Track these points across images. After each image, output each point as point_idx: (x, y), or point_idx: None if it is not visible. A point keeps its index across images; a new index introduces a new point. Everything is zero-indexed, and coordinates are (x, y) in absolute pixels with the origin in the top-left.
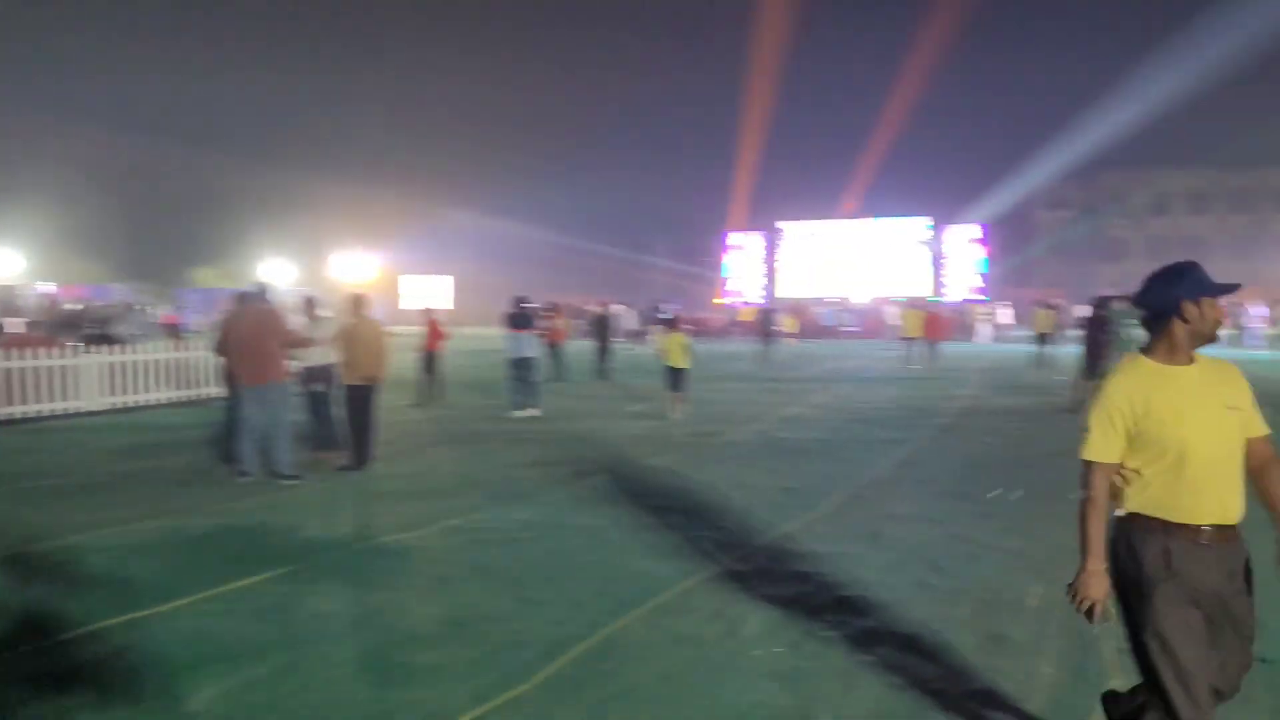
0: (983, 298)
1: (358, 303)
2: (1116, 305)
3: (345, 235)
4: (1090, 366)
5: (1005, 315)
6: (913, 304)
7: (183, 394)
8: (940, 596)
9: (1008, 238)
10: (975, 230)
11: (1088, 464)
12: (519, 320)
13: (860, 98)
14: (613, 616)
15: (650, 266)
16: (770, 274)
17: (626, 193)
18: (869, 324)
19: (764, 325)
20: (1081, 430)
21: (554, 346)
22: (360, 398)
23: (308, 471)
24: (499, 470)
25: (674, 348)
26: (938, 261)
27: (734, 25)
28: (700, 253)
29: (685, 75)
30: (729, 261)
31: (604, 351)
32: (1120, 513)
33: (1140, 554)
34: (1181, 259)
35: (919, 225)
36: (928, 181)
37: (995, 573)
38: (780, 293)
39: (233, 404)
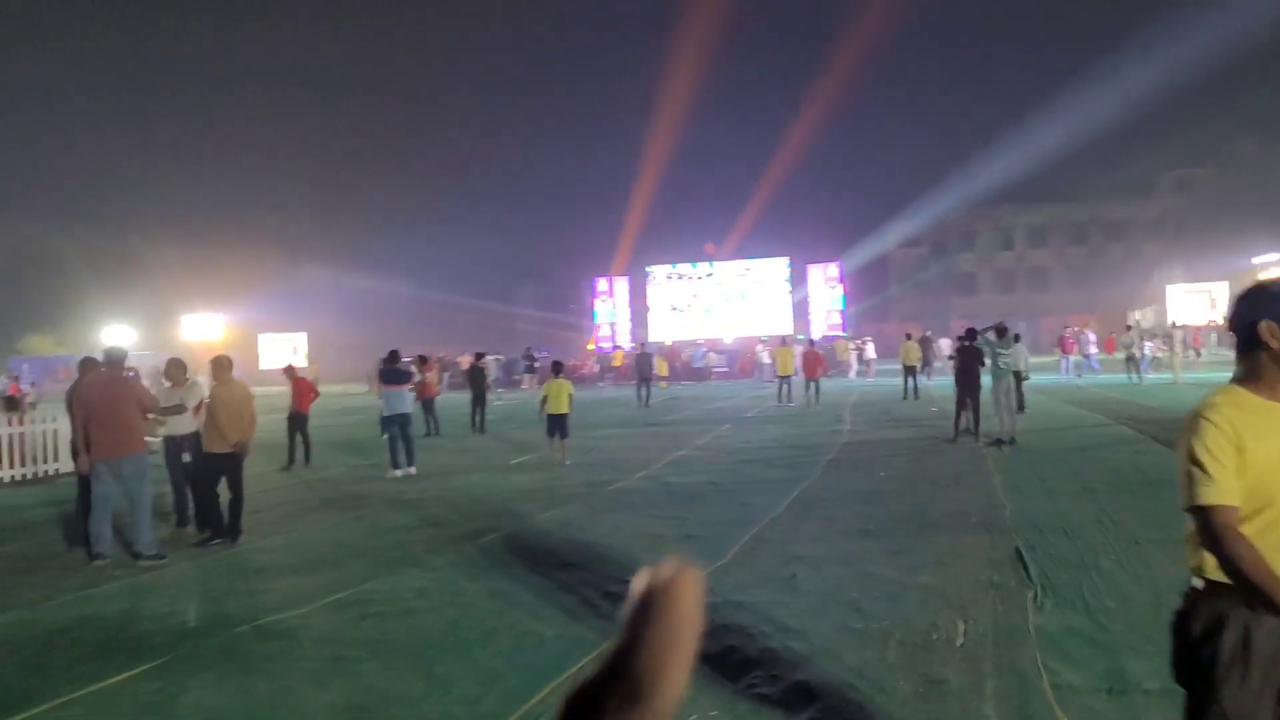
0: (841, 334)
1: (221, 365)
2: (987, 335)
3: (192, 296)
4: (963, 396)
5: (871, 350)
6: (785, 342)
7: (23, 471)
8: (867, 641)
9: (867, 276)
10: (833, 269)
11: (1207, 510)
12: (393, 375)
13: (725, 144)
14: (531, 689)
15: (516, 315)
16: (638, 318)
17: (490, 242)
18: (742, 364)
19: (641, 369)
20: (1186, 472)
21: (425, 401)
22: (227, 467)
23: (172, 549)
24: (383, 535)
25: (558, 393)
26: (800, 300)
27: (596, 75)
28: (567, 300)
29: (547, 125)
30: (599, 307)
31: (479, 404)
32: (1196, 583)
33: (1215, 635)
34: (1028, 290)
35: (779, 265)
36: (791, 224)
37: (917, 611)
38: (652, 336)
39: (84, 480)
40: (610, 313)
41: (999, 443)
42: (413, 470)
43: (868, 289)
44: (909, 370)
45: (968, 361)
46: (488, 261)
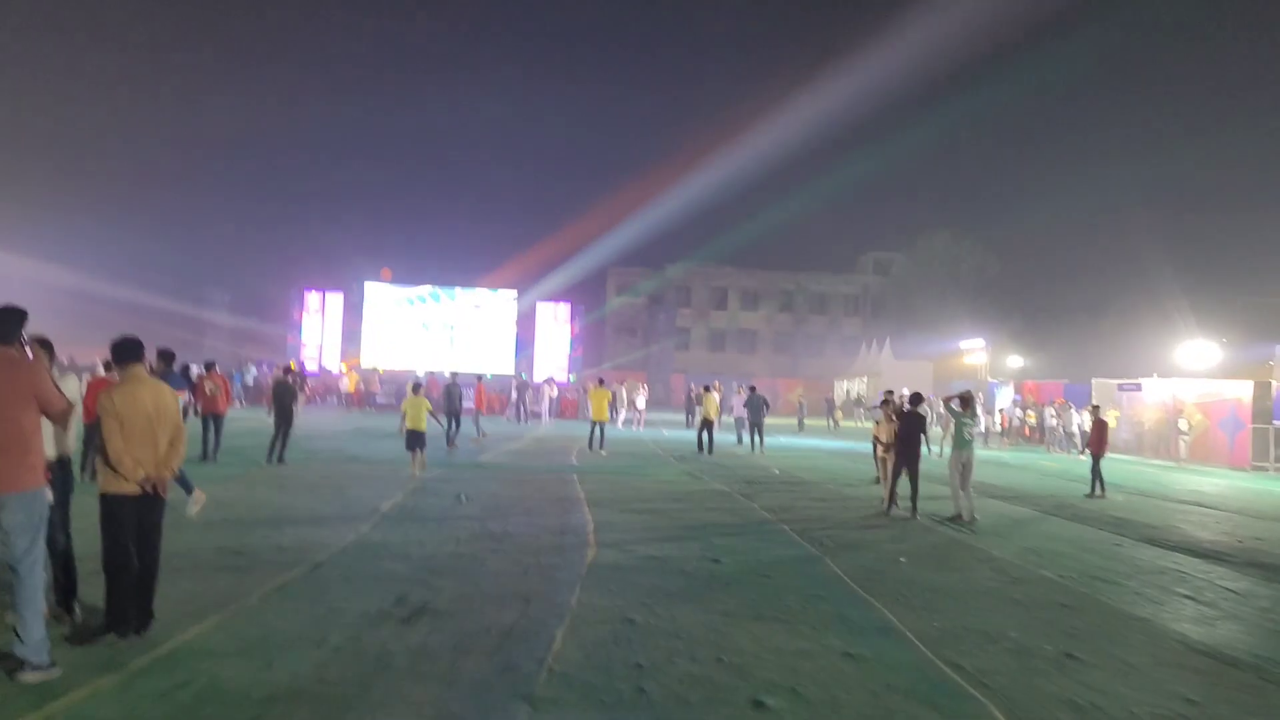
0: (570, 377)
1: (127, 352)
2: (951, 405)
3: None
4: (902, 465)
5: (642, 398)
6: (602, 383)
7: None
8: None
9: (583, 321)
10: (564, 310)
11: None
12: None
13: (438, 163)
14: None
15: (206, 323)
16: (350, 337)
17: (174, 236)
18: (491, 399)
19: (451, 402)
20: None
21: (213, 418)
22: (143, 513)
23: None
24: (364, 626)
25: (417, 410)
26: (524, 337)
27: (311, 71)
28: (258, 309)
29: (249, 111)
30: (306, 322)
31: (284, 427)
32: None
33: None
34: (737, 351)
35: (506, 298)
36: (514, 258)
37: None
38: (365, 360)
39: None
40: (319, 329)
41: (956, 519)
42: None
43: (584, 334)
44: (707, 424)
45: (911, 429)
46: (171, 258)
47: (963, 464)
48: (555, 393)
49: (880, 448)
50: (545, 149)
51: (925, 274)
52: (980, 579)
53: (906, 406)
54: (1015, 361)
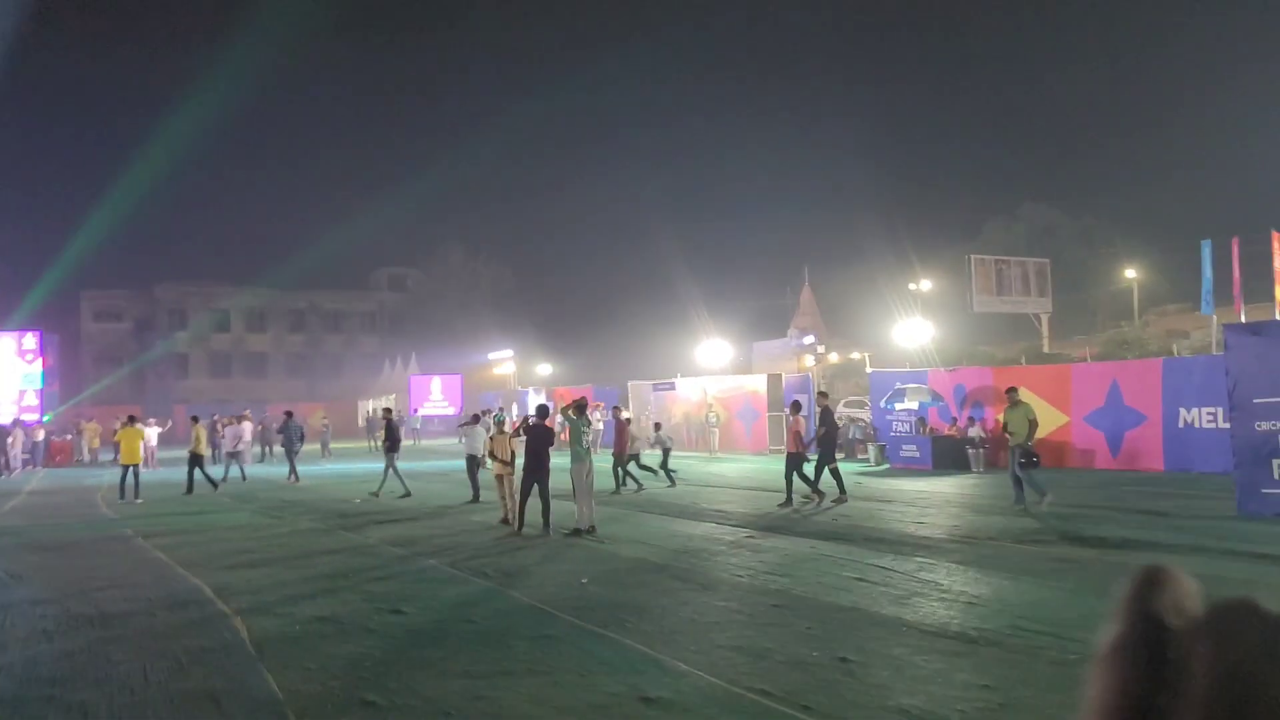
0: (40, 417)
1: None
2: (569, 413)
3: None
4: (532, 481)
5: (155, 435)
6: (129, 420)
7: None
8: None
9: (52, 351)
10: (30, 340)
11: None
12: None
13: None
14: None
15: None
16: None
17: None
18: None
19: None
20: None
21: None
22: None
23: None
24: None
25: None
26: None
27: None
28: None
29: None
30: None
31: None
32: None
33: None
34: (245, 376)
35: None
36: None
37: None
38: None
39: None
40: None
41: (577, 532)
42: None
43: (58, 366)
44: (196, 459)
45: (539, 443)
46: None
47: (585, 473)
48: (41, 436)
49: (496, 465)
50: None
51: (442, 288)
52: (673, 591)
53: (532, 419)
54: (545, 369)
